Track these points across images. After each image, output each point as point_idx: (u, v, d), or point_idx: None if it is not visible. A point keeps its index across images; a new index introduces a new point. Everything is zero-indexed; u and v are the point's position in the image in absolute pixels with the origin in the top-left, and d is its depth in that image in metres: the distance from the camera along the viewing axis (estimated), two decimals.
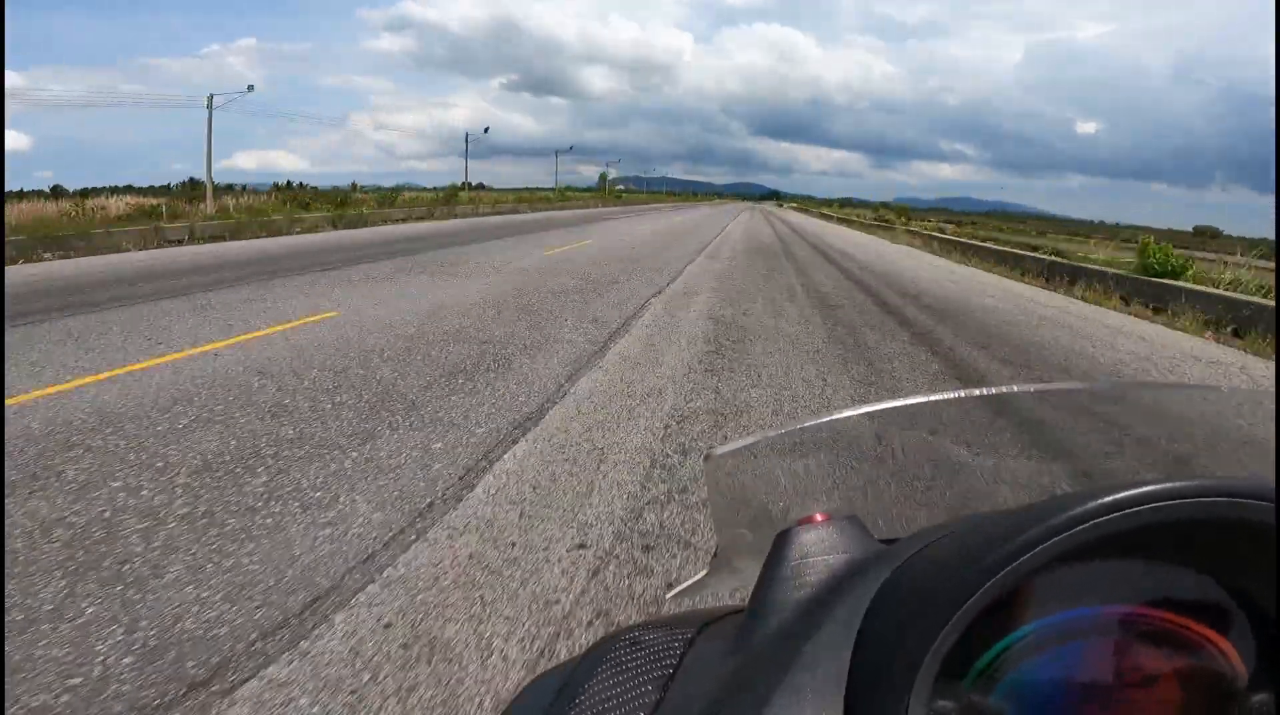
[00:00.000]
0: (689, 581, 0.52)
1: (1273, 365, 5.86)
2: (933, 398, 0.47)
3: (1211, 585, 0.31)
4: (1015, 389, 0.48)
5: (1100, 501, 0.28)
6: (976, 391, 0.46)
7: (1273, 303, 7.38)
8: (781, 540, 0.41)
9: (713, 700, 0.34)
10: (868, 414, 0.47)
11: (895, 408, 0.47)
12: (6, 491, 2.50)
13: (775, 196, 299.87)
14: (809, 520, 0.42)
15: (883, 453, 0.51)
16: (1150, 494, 0.28)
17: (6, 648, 1.67)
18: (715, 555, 0.50)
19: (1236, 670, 0.31)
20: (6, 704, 1.50)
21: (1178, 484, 0.28)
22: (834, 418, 0.48)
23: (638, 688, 0.37)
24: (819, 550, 0.39)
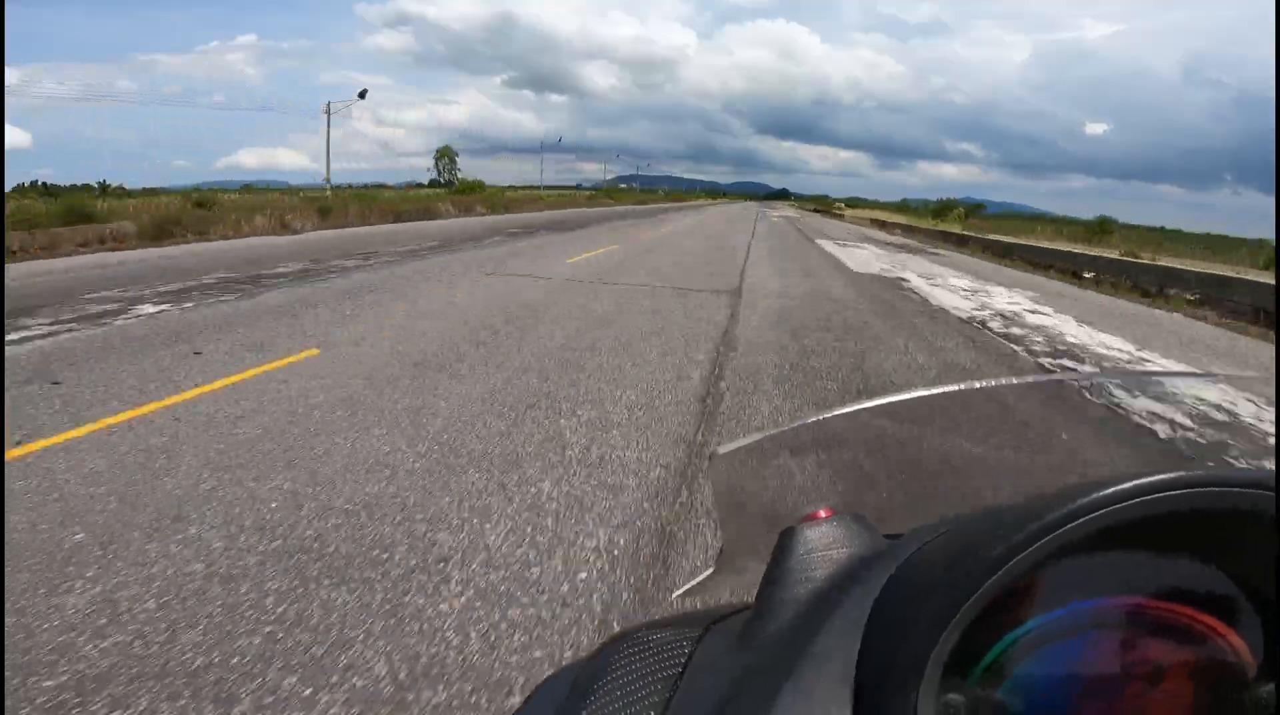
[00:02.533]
0: (695, 580, 0.52)
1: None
2: (934, 391, 0.46)
3: (1217, 576, 0.31)
4: (1015, 381, 0.48)
5: (1103, 493, 0.28)
6: (977, 384, 0.46)
7: None
8: (786, 537, 0.41)
9: (722, 698, 0.34)
10: (870, 409, 0.47)
11: (897, 402, 0.47)
12: None
13: (784, 195, 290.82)
14: (813, 517, 0.42)
15: (886, 448, 0.51)
16: (1153, 485, 0.28)
17: None
18: (721, 553, 0.50)
19: (1244, 661, 0.30)
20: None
21: (1180, 475, 0.28)
22: (836, 414, 0.48)
23: (647, 687, 0.38)
24: (824, 546, 0.40)
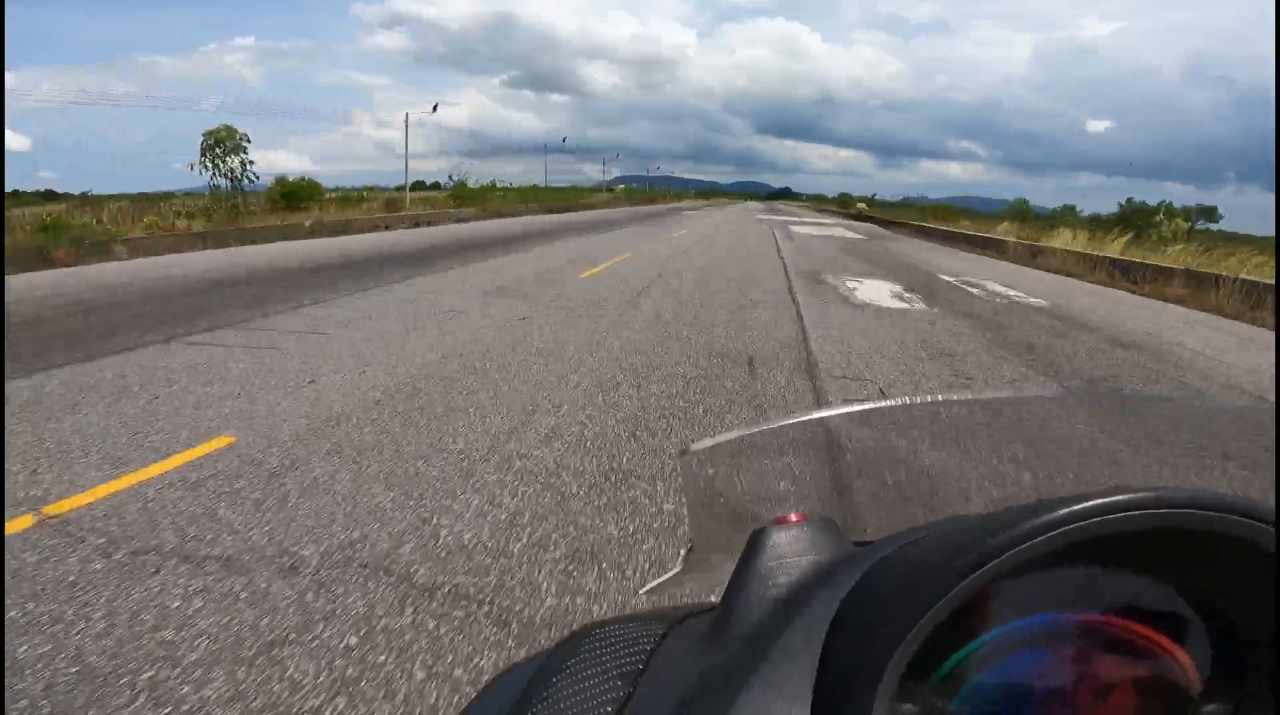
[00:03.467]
0: (662, 578, 0.52)
1: None
2: (912, 401, 0.47)
3: (1171, 595, 0.31)
4: (992, 395, 0.48)
5: (1068, 510, 0.28)
6: (955, 396, 0.46)
7: None
8: (756, 539, 0.41)
9: (683, 694, 0.34)
10: (846, 415, 0.47)
11: (873, 410, 0.47)
12: None
13: (785, 195, 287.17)
14: (784, 520, 0.42)
15: (859, 454, 0.51)
16: (1115, 504, 0.28)
17: None
18: (689, 552, 0.50)
19: (1191, 680, 0.31)
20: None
21: (1149, 495, 0.28)
22: (812, 417, 0.48)
23: (608, 682, 0.38)
24: (793, 550, 0.40)
